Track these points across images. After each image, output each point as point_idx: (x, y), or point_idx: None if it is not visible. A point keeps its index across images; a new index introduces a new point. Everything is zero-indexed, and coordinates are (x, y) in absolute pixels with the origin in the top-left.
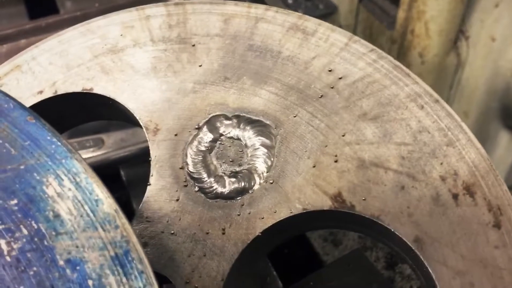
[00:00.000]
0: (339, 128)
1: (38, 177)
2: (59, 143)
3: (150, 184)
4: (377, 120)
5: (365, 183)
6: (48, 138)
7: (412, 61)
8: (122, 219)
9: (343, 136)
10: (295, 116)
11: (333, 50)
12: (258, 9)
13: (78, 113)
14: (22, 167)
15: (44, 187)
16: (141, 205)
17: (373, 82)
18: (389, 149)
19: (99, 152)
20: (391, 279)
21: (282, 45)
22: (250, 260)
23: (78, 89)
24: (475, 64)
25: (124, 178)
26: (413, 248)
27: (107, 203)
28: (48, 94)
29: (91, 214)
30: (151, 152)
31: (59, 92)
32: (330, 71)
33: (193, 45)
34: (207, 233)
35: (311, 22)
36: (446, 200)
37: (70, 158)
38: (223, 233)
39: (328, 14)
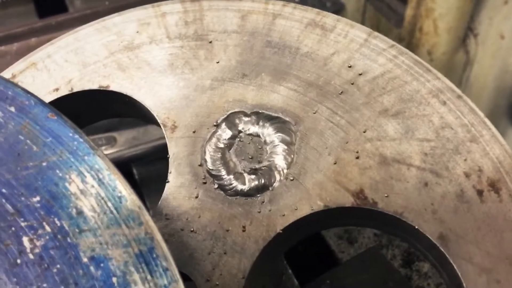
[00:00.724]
0: (360, 124)
1: (60, 174)
2: (81, 140)
3: (168, 182)
4: (399, 116)
5: (387, 180)
6: (70, 134)
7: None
8: (146, 216)
9: (364, 132)
10: (314, 113)
11: (353, 46)
12: (276, 5)
13: (93, 111)
14: (44, 164)
15: (67, 184)
16: (159, 202)
17: (394, 78)
18: (411, 146)
19: (111, 150)
20: (408, 276)
21: (300, 41)
22: (270, 258)
23: (94, 86)
24: (484, 61)
25: (136, 176)
26: (437, 245)
27: (130, 199)
28: (64, 91)
29: (114, 211)
30: (169, 149)
31: (75, 90)
32: (349, 67)
33: (210, 42)
34: (227, 230)
35: (329, 18)
36: (471, 196)
37: (92, 155)
38: (244, 231)
39: (335, 12)
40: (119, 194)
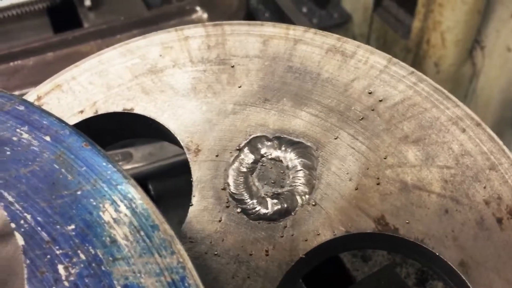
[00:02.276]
0: (380, 150)
1: (94, 203)
2: (114, 169)
3: (192, 205)
4: (419, 143)
5: (408, 206)
6: (104, 164)
7: (427, 70)
8: (177, 245)
9: (385, 158)
10: (336, 138)
11: (373, 72)
12: (297, 31)
13: (116, 132)
14: (78, 192)
15: (101, 213)
16: (183, 225)
17: (414, 105)
18: (431, 172)
19: (127, 166)
20: None
21: (321, 67)
22: (291, 282)
23: (118, 109)
24: (490, 73)
25: (152, 192)
26: (458, 272)
27: (162, 229)
28: (89, 113)
29: (147, 240)
30: (192, 172)
31: (100, 112)
32: (370, 93)
33: (232, 66)
34: (251, 254)
35: (349, 44)
36: (491, 224)
37: (125, 184)
38: (267, 255)
39: (342, 23)
40: (152, 223)
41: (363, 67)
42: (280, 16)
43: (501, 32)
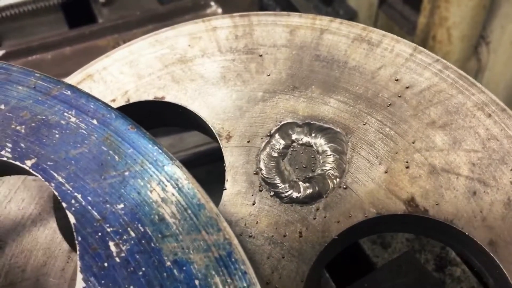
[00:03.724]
0: (408, 135)
1: (142, 183)
2: (160, 151)
3: (226, 189)
4: (446, 127)
5: (437, 189)
6: (150, 146)
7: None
8: (223, 223)
9: (413, 143)
10: (364, 124)
11: (399, 60)
12: (323, 21)
13: (147, 120)
14: (126, 173)
15: (149, 192)
16: (218, 208)
17: (440, 91)
18: (459, 156)
19: None
20: (441, 280)
21: (348, 55)
22: (323, 262)
23: (150, 97)
24: (495, 69)
25: None
26: (488, 251)
27: (208, 207)
28: (121, 102)
29: (194, 218)
30: (225, 158)
31: (132, 101)
32: (396, 80)
33: (261, 55)
34: (285, 236)
35: (375, 33)
36: None
37: (171, 165)
38: (300, 236)
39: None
40: (198, 202)
41: (389, 55)
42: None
43: (506, 27)
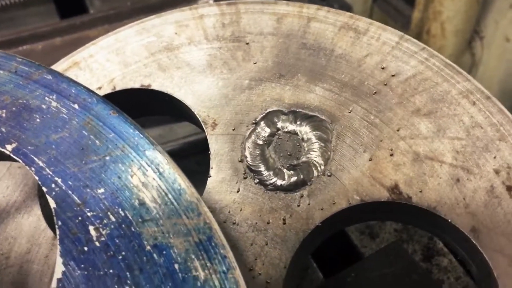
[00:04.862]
0: (393, 123)
1: (123, 168)
2: (141, 135)
3: (210, 176)
4: (431, 115)
5: (421, 176)
6: (131, 130)
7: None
8: (204, 208)
9: (397, 131)
10: (350, 112)
11: (385, 48)
12: (310, 9)
13: (133, 109)
14: (107, 158)
15: (129, 177)
16: (202, 195)
17: (425, 79)
18: (443, 144)
19: None
20: (428, 270)
21: (334, 43)
22: (307, 250)
23: (136, 85)
24: (489, 64)
25: None
26: (470, 237)
27: (189, 192)
28: (107, 90)
29: (174, 202)
30: (210, 146)
31: (118, 88)
32: (382, 68)
33: (247, 43)
34: (268, 223)
35: (362, 22)
36: (501, 192)
37: (152, 150)
38: (284, 223)
39: None
40: (179, 187)
41: (376, 43)
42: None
43: (500, 22)
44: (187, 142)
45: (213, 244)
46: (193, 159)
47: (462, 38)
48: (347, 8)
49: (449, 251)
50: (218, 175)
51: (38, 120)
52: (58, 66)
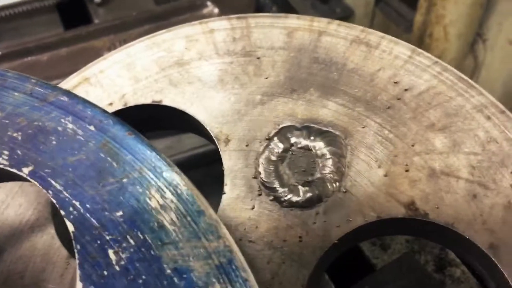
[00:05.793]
0: (408, 138)
1: (141, 190)
2: (158, 157)
3: (225, 193)
4: (445, 130)
5: (437, 192)
6: (148, 152)
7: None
8: (223, 229)
9: (412, 146)
10: (363, 127)
11: (398, 62)
12: (321, 23)
13: (144, 124)
14: (125, 180)
15: (147, 199)
16: (217, 212)
17: (439, 94)
18: (458, 159)
19: None
20: (441, 281)
21: (346, 57)
22: (324, 266)
23: (147, 101)
24: (492, 67)
25: None
26: (489, 254)
27: (208, 214)
28: (118, 106)
29: (194, 225)
30: (223, 162)
31: (129, 104)
32: (395, 83)
33: (258, 58)
34: (285, 240)
35: (374, 35)
36: None
37: (170, 171)
38: (300, 241)
39: (344, 18)
40: (198, 209)
41: (388, 57)
42: (287, 11)
43: (503, 25)
44: (195, 154)
45: (234, 267)
46: (200, 170)
47: (465, 41)
48: (349, 11)
49: (461, 262)
50: (233, 192)
51: (54, 142)
52: (69, 82)
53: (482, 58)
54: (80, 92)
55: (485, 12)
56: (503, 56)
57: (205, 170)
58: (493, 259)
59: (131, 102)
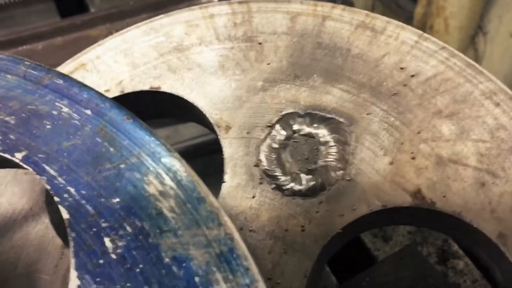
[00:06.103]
0: (414, 125)
1: (139, 176)
2: (157, 142)
3: (225, 182)
4: (453, 117)
5: (444, 180)
6: (147, 137)
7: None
8: (224, 217)
9: (419, 133)
10: (368, 114)
11: (404, 48)
12: (325, 7)
13: (142, 111)
14: (122, 165)
15: (146, 186)
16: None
17: (447, 80)
18: (466, 146)
19: None
20: (443, 273)
21: (351, 43)
22: (326, 257)
23: (145, 87)
24: (492, 59)
25: None
26: (497, 244)
27: (209, 201)
28: (115, 92)
29: (194, 212)
30: (223, 150)
31: (126, 91)
32: (401, 68)
33: (260, 43)
34: (286, 230)
35: (379, 20)
36: None
37: (169, 156)
38: (303, 230)
39: None
40: (198, 196)
41: (394, 42)
42: None
43: (504, 18)
44: (194, 144)
45: (235, 255)
46: (200, 160)
47: (466, 34)
48: (349, 3)
49: (464, 254)
50: (233, 180)
51: (48, 126)
52: (64, 68)
53: (483, 51)
54: (76, 78)
55: (486, 4)
56: (504, 49)
57: (204, 160)
58: (502, 248)
59: (129, 89)
